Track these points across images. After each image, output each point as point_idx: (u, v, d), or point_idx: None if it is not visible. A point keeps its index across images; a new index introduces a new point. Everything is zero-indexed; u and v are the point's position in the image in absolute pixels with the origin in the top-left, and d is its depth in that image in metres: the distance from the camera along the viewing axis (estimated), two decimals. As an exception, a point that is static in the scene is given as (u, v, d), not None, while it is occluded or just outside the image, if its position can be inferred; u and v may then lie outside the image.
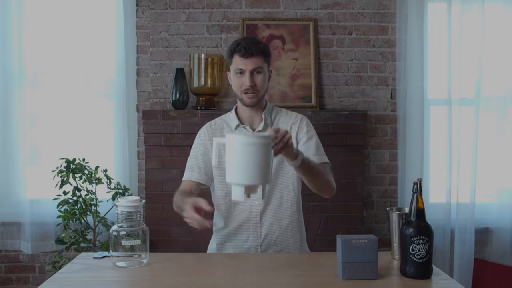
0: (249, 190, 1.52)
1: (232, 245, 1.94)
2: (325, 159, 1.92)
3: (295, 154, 1.65)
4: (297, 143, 1.91)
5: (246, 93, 1.86)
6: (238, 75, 1.86)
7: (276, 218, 1.90)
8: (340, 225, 2.91)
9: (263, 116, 1.93)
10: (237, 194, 1.51)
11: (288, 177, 1.92)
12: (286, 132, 1.56)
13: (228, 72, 1.95)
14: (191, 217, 1.54)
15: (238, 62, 1.85)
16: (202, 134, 1.98)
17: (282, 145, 1.54)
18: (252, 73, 1.84)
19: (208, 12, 3.10)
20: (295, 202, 1.94)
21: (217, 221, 1.89)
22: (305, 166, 1.71)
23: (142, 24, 3.13)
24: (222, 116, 2.03)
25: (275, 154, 1.55)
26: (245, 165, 1.47)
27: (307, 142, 1.91)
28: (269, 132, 1.59)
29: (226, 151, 1.53)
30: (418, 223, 1.46)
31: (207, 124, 2.01)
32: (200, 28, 3.11)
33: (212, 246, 2.01)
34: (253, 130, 1.93)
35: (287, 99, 3.03)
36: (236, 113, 1.97)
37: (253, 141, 1.47)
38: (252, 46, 1.83)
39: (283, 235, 1.92)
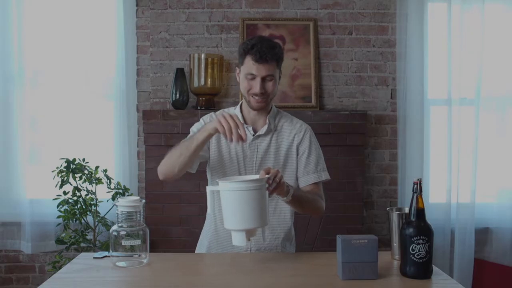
0: (249, 234, 1.54)
1: (221, 246, 1.90)
2: (324, 176, 1.90)
3: (286, 190, 1.66)
4: (297, 154, 1.89)
5: (254, 97, 1.79)
6: (249, 79, 1.79)
7: (269, 226, 1.84)
8: (340, 225, 2.91)
9: (267, 120, 1.88)
10: (238, 239, 1.52)
11: None
12: (277, 171, 1.58)
13: (237, 68, 1.88)
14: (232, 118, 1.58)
15: (250, 66, 1.77)
16: (208, 121, 1.88)
17: (275, 185, 1.56)
18: (263, 79, 1.77)
19: (208, 12, 3.10)
20: (288, 212, 1.92)
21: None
22: (295, 199, 1.71)
23: (142, 24, 3.13)
24: (226, 110, 1.95)
25: (269, 195, 1.56)
26: (242, 210, 1.48)
27: (307, 158, 1.88)
28: (260, 174, 1.58)
29: (221, 198, 1.53)
30: (418, 223, 1.46)
31: (213, 114, 1.92)
32: (200, 28, 3.10)
33: (203, 243, 1.98)
34: (256, 132, 1.88)
35: (287, 99, 3.03)
36: (241, 111, 1.91)
37: (248, 186, 1.48)
38: (268, 52, 1.74)
39: (274, 243, 1.90)
